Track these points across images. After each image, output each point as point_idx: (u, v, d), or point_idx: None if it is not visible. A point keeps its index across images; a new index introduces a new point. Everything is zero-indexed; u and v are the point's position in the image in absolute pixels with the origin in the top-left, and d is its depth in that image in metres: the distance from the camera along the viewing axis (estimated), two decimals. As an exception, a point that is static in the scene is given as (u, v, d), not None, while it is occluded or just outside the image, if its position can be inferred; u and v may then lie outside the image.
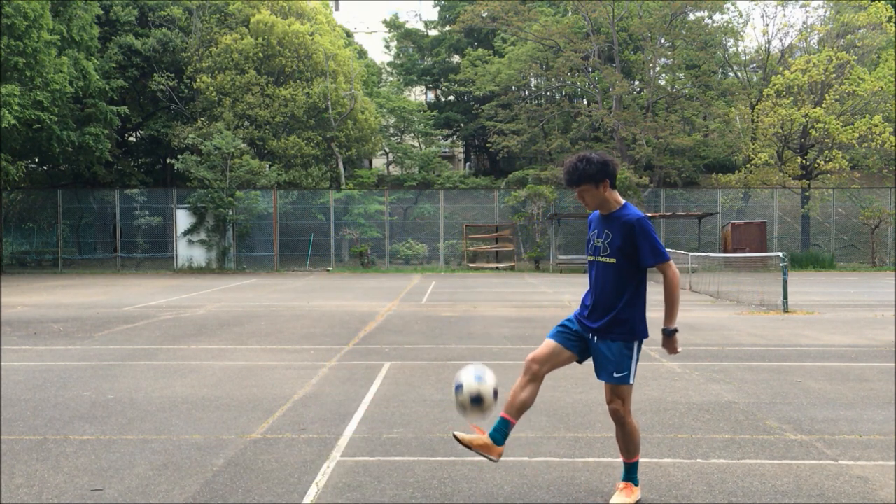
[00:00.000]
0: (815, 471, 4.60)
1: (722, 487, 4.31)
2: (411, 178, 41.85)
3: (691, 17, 38.84)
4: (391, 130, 46.01)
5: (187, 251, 30.42)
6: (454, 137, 51.26)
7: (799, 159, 35.57)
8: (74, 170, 33.96)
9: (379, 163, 50.49)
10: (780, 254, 14.69)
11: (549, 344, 4.16)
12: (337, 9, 56.13)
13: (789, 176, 34.75)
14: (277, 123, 34.04)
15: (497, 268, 30.90)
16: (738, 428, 5.59)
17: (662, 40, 38.95)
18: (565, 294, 18.28)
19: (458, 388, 4.06)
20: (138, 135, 40.41)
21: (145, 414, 6.05)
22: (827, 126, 32.36)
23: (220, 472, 4.57)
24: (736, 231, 29.84)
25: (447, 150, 52.82)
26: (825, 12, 38.27)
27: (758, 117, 35.02)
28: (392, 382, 7.29)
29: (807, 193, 34.29)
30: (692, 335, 10.64)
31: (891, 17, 34.54)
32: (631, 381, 4.05)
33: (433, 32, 52.01)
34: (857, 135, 32.23)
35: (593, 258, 4.16)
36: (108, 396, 6.69)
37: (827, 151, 33.68)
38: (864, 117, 32.73)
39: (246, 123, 34.00)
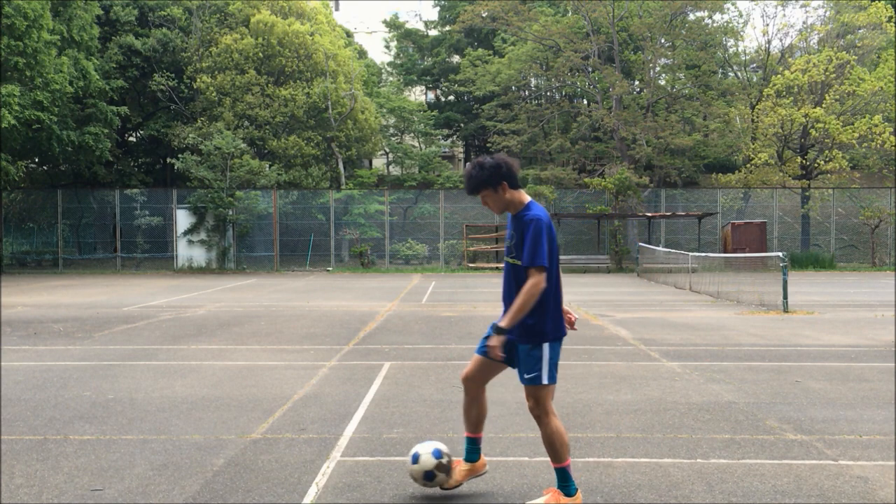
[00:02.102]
0: (815, 471, 4.60)
1: (722, 487, 4.31)
2: (411, 178, 41.85)
3: (691, 17, 38.84)
4: (391, 130, 46.00)
5: (187, 251, 30.42)
6: (454, 137, 51.27)
7: (799, 159, 35.58)
8: (74, 170, 33.97)
9: (379, 163, 50.49)
10: (780, 254, 14.69)
11: (475, 359, 4.21)
12: (337, 9, 56.15)
13: (789, 176, 34.75)
14: (277, 123, 34.04)
15: (497, 268, 30.88)
16: (738, 428, 5.59)
17: (662, 40, 38.95)
18: (565, 294, 18.25)
19: (415, 458, 4.13)
20: (138, 135, 40.40)
21: (145, 414, 6.05)
22: (827, 126, 32.36)
23: (220, 472, 4.58)
24: (736, 231, 29.83)
25: (447, 150, 52.82)
26: (825, 12, 38.28)
27: (758, 117, 35.02)
28: (392, 382, 7.29)
29: (807, 193, 34.29)
30: (692, 335, 10.64)
31: (891, 17, 34.54)
32: (544, 382, 3.98)
33: (433, 32, 52.02)
34: (857, 135, 32.24)
35: (505, 259, 4.17)
36: (108, 396, 6.69)
37: (827, 151, 33.68)
38: (864, 117, 32.73)
39: (246, 123, 34.00)
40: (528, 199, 4.09)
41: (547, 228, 3.94)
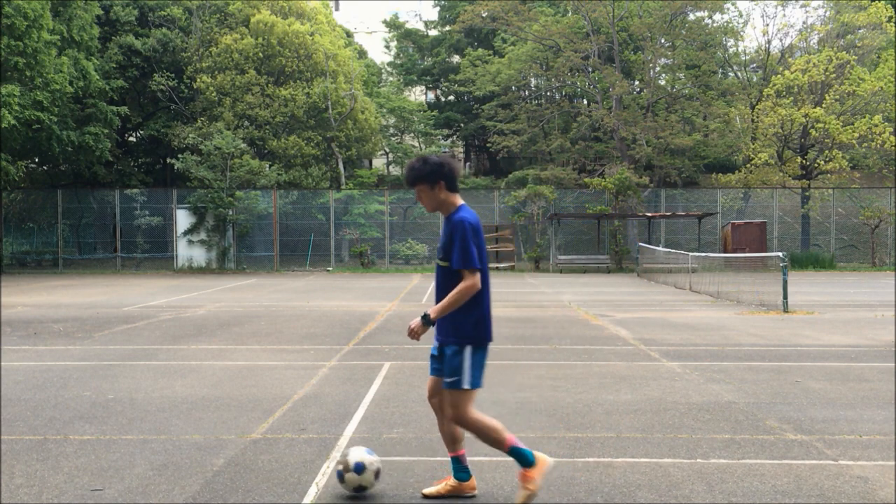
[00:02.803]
0: (815, 471, 4.60)
1: (722, 487, 4.30)
2: (411, 179, 41.75)
3: (691, 17, 38.84)
4: (391, 130, 46.00)
5: (187, 251, 30.42)
6: (454, 137, 51.26)
7: (799, 159, 35.58)
8: (74, 170, 33.96)
9: (379, 163, 50.48)
10: (780, 254, 14.69)
11: (430, 379, 4.27)
12: (337, 9, 56.13)
13: (789, 176, 34.75)
14: (277, 123, 34.04)
15: (497, 268, 30.89)
16: (738, 428, 5.59)
17: (662, 40, 38.95)
18: (565, 294, 18.28)
19: (360, 467, 4.15)
20: (138, 135, 40.40)
21: (145, 414, 6.05)
22: (827, 126, 32.36)
23: (220, 472, 4.57)
24: (736, 231, 29.83)
25: (447, 150, 52.80)
26: (825, 12, 38.28)
27: (758, 117, 35.03)
28: (392, 382, 7.29)
29: (807, 193, 34.29)
30: (692, 335, 10.64)
31: (891, 17, 34.54)
32: (464, 386, 3.98)
33: (433, 32, 52.01)
34: (857, 135, 32.24)
35: (436, 261, 4.18)
36: (108, 396, 6.69)
37: (827, 151, 33.69)
38: (864, 117, 32.73)
39: (246, 123, 34.00)
40: (460, 202, 4.12)
41: (473, 230, 3.97)
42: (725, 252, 29.23)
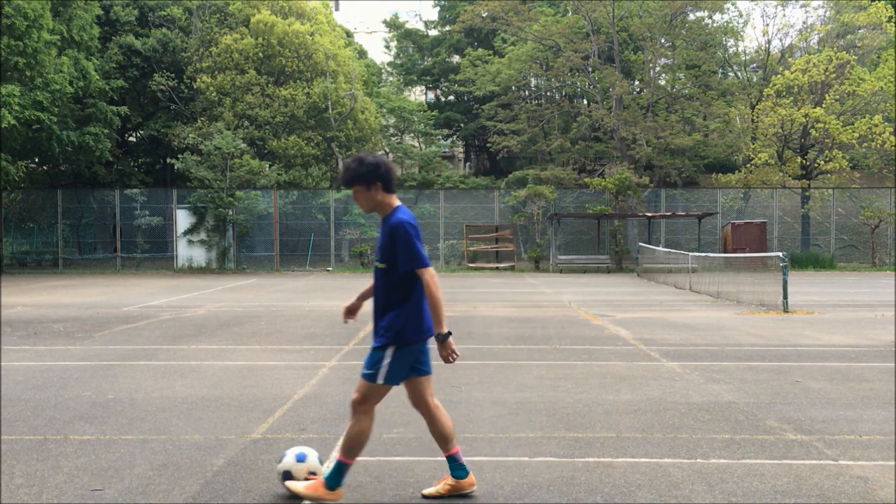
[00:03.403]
0: (815, 471, 4.60)
1: (722, 487, 4.31)
2: (411, 178, 41.85)
3: (691, 17, 38.85)
4: (391, 130, 46.00)
5: (187, 251, 30.41)
6: (454, 137, 51.27)
7: (799, 159, 35.58)
8: (74, 170, 33.96)
9: (379, 163, 50.38)
10: (780, 254, 14.69)
11: (404, 385, 4.25)
12: (337, 9, 56.15)
13: (789, 176, 34.75)
14: (277, 123, 34.04)
15: (497, 268, 30.90)
16: (738, 428, 5.59)
17: (662, 40, 38.95)
18: (565, 294, 18.28)
19: (302, 457, 4.20)
20: (138, 135, 40.40)
21: (145, 414, 6.05)
22: (827, 126, 32.36)
23: (220, 472, 4.57)
24: (736, 231, 29.84)
25: (447, 150, 52.82)
26: (825, 12, 38.28)
27: (758, 117, 35.03)
28: (392, 382, 7.28)
29: (807, 193, 34.29)
30: (692, 335, 10.65)
31: (891, 17, 34.54)
32: (378, 382, 4.00)
33: (433, 32, 52.02)
34: (857, 135, 32.24)
35: (374, 263, 4.20)
36: (108, 396, 6.69)
37: (827, 151, 33.69)
38: (864, 117, 32.73)
39: (246, 123, 34.00)
40: (397, 203, 4.11)
41: (413, 229, 4.00)
42: (725, 252, 29.23)
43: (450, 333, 3.99)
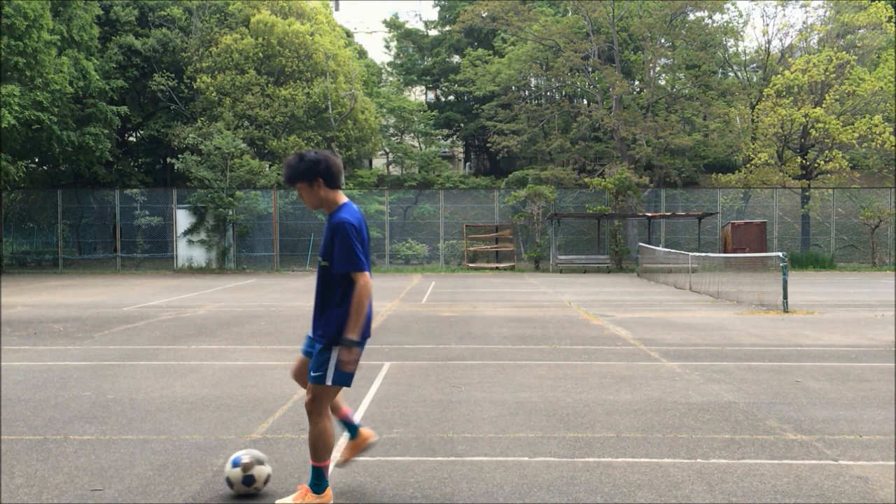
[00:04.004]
0: (815, 471, 4.60)
1: (722, 487, 4.31)
2: (411, 178, 41.86)
3: (691, 17, 38.84)
4: (391, 130, 46.01)
5: (187, 251, 30.41)
6: (454, 137, 51.28)
7: (799, 159, 35.58)
8: (74, 170, 33.95)
9: (379, 163, 50.49)
10: (780, 254, 14.69)
11: (299, 358, 4.30)
12: (337, 9, 56.16)
13: (789, 176, 34.75)
14: (277, 123, 34.04)
15: (497, 268, 30.90)
16: (738, 428, 5.59)
17: (662, 40, 38.95)
18: (565, 294, 18.28)
19: (236, 461, 4.19)
20: (138, 135, 40.41)
21: (145, 414, 6.05)
22: (827, 126, 32.36)
23: (220, 472, 4.57)
24: (736, 231, 29.84)
25: (447, 150, 52.84)
26: (825, 12, 38.28)
27: (758, 117, 35.03)
28: (392, 382, 7.29)
29: (807, 193, 34.30)
30: (692, 335, 10.65)
31: (891, 17, 34.54)
32: (327, 383, 3.99)
33: (433, 32, 52.02)
34: (857, 135, 32.24)
35: (318, 259, 4.17)
36: (108, 396, 6.69)
37: (827, 151, 33.69)
38: (864, 117, 32.73)
39: (246, 123, 34.00)
40: (343, 200, 4.06)
41: (355, 230, 3.92)
42: (725, 252, 29.24)
43: (360, 344, 3.95)
